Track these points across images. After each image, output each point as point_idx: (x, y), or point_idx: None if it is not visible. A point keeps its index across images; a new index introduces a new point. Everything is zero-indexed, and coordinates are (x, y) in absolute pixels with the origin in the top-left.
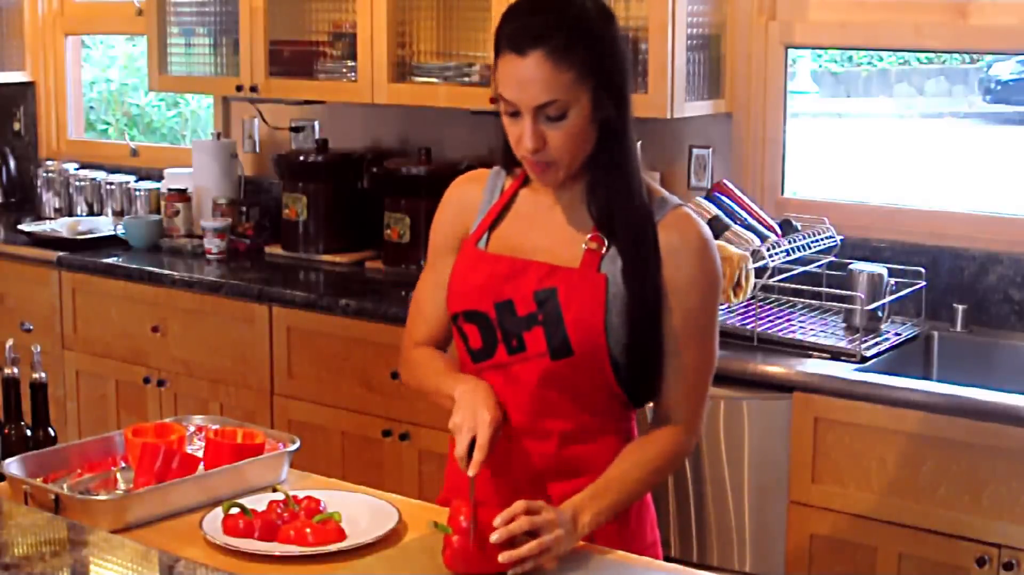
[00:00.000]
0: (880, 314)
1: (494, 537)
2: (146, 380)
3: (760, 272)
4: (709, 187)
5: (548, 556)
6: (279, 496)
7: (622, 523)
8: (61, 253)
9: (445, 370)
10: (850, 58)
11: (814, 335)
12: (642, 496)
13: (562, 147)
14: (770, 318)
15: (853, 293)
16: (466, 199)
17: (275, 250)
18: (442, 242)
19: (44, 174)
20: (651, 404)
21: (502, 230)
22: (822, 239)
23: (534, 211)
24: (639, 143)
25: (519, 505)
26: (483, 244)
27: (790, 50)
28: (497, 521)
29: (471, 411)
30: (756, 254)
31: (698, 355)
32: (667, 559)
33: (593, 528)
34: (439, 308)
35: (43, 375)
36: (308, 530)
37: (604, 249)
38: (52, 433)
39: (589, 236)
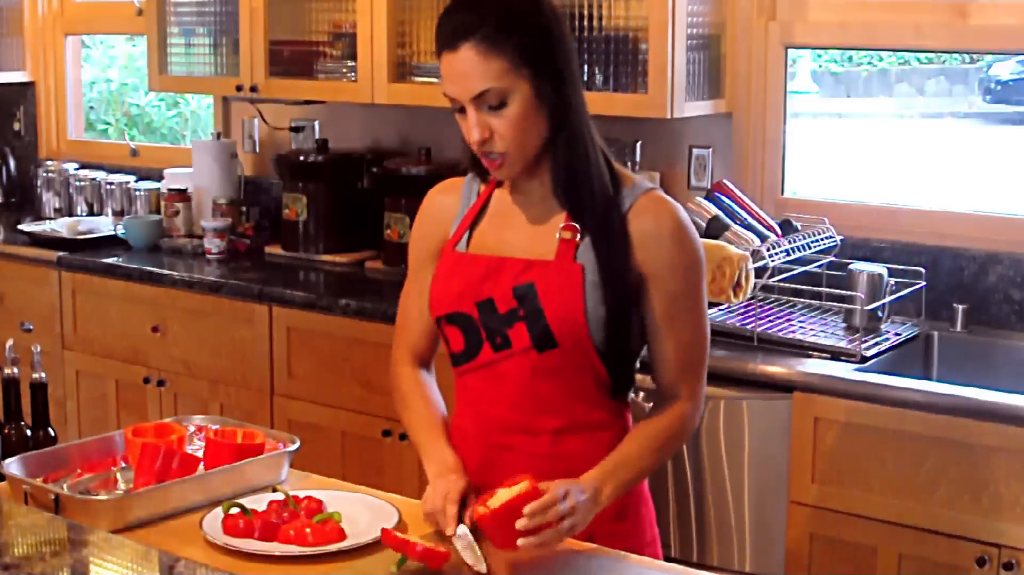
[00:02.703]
0: (880, 314)
1: (520, 523)
2: (146, 380)
3: (760, 272)
4: (709, 187)
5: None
6: (279, 496)
7: (622, 520)
8: (61, 253)
9: (429, 430)
10: (850, 58)
11: (814, 335)
12: (653, 471)
13: (508, 136)
14: (770, 318)
15: (853, 293)
16: (442, 209)
17: (275, 250)
18: (421, 254)
19: (44, 174)
20: (638, 394)
21: (480, 231)
22: (822, 239)
23: (509, 210)
24: (639, 143)
25: (549, 499)
26: (463, 246)
27: (790, 50)
28: (527, 509)
29: (442, 495)
30: (756, 254)
31: (690, 334)
32: (667, 559)
33: (612, 501)
34: (423, 317)
35: (43, 375)
36: (308, 530)
37: (578, 238)
38: (52, 433)
39: (562, 226)
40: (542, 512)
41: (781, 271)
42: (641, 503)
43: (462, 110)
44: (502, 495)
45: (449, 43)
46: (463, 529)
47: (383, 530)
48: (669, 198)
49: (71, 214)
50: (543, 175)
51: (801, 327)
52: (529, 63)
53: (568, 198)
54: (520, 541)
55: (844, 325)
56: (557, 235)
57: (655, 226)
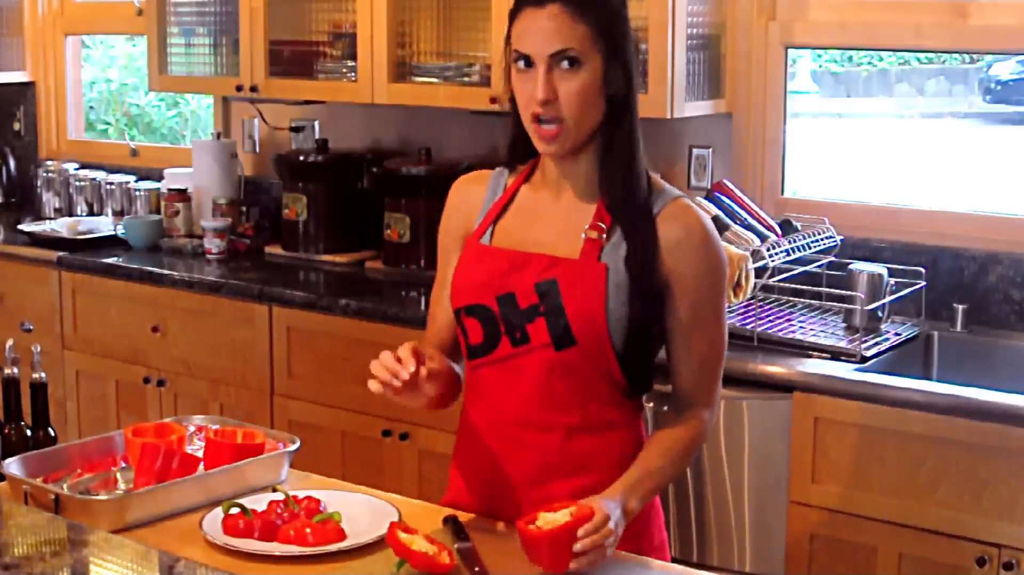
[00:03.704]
0: (880, 314)
1: (578, 546)
2: (146, 380)
3: (760, 272)
4: (709, 187)
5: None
6: (279, 496)
7: (633, 524)
8: (61, 253)
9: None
10: (850, 58)
11: (814, 335)
12: (674, 480)
13: (571, 102)
14: (770, 318)
15: (853, 293)
16: (468, 199)
17: (275, 250)
18: (448, 244)
19: (44, 174)
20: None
21: (504, 225)
22: (822, 239)
23: (536, 206)
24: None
25: (601, 520)
26: (486, 239)
27: (790, 50)
28: (582, 531)
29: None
30: (756, 254)
31: (709, 341)
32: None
33: (636, 514)
34: (444, 309)
35: (43, 375)
36: (308, 530)
37: (604, 237)
38: (52, 433)
39: (588, 225)
40: (596, 533)
41: (781, 271)
42: (651, 508)
43: (525, 70)
44: (549, 518)
45: (537, 0)
46: (466, 544)
47: (392, 523)
48: (695, 205)
49: (71, 214)
50: (584, 167)
51: (801, 327)
52: (606, 40)
53: (611, 188)
54: (573, 563)
55: (844, 325)
56: (583, 235)
57: (684, 233)
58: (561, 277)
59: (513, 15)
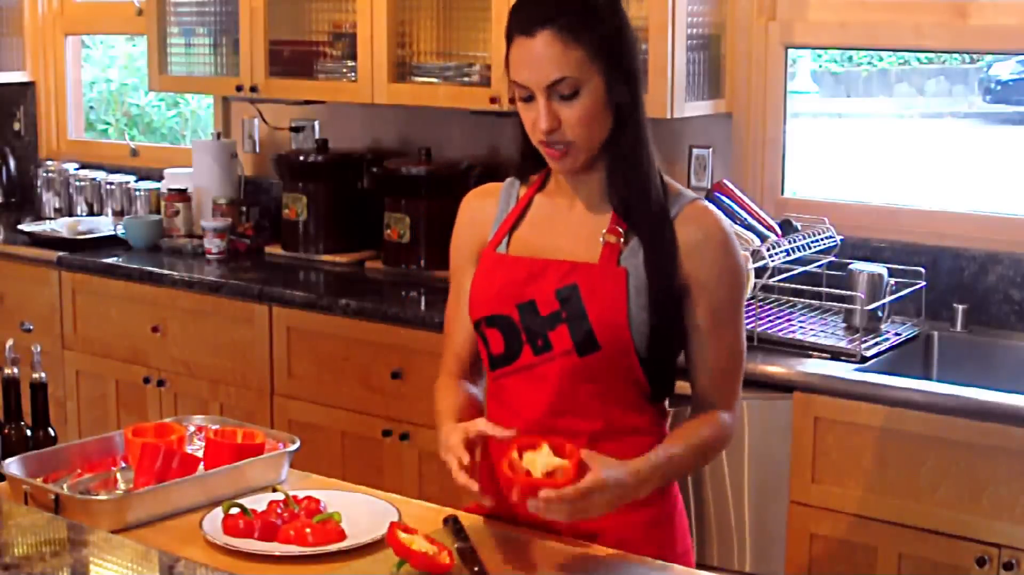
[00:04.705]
0: (880, 314)
1: (532, 505)
2: (146, 380)
3: (760, 272)
4: (709, 187)
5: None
6: (279, 496)
7: (656, 528)
8: (61, 253)
9: (444, 411)
10: (850, 58)
11: (814, 335)
12: (690, 472)
13: (576, 127)
14: (770, 318)
15: (853, 293)
16: (480, 213)
17: (275, 250)
18: (461, 259)
19: (44, 174)
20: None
21: (521, 234)
22: (822, 239)
23: (551, 214)
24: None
25: (572, 493)
26: (503, 248)
27: (790, 50)
28: (543, 494)
29: (445, 441)
30: (756, 254)
31: (729, 344)
32: None
33: (645, 495)
34: (462, 326)
35: (43, 375)
36: (308, 530)
37: (622, 242)
38: (52, 433)
39: (606, 229)
40: (558, 502)
41: (781, 271)
42: (676, 514)
43: (526, 99)
44: (538, 463)
45: (526, 28)
46: (466, 544)
47: (392, 523)
48: (713, 207)
49: (71, 214)
50: (595, 179)
51: (801, 327)
52: (604, 58)
53: (622, 199)
54: (530, 504)
55: (844, 325)
56: (601, 239)
57: (703, 235)
58: (582, 282)
59: (508, 41)
